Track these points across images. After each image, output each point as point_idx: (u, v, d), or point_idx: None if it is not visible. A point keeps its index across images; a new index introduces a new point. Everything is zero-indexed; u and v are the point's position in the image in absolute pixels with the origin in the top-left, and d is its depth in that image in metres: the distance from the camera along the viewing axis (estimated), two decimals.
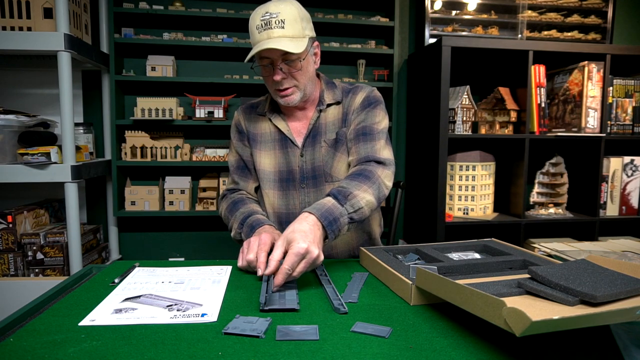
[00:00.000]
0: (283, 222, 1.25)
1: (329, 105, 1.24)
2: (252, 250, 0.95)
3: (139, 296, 0.81)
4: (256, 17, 1.09)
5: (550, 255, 1.07)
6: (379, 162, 1.13)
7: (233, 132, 1.33)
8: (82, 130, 2.12)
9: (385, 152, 1.16)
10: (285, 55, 1.09)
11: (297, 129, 1.25)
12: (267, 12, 1.07)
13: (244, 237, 1.11)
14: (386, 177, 1.11)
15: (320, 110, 1.23)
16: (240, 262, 0.99)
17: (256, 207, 1.22)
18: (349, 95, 1.25)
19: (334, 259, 1.20)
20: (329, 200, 0.98)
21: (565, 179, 2.28)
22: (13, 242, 1.86)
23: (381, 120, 1.21)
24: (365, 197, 1.02)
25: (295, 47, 1.06)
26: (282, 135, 1.24)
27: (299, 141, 1.23)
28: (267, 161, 1.26)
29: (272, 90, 1.17)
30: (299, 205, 1.24)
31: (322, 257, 0.89)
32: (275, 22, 1.06)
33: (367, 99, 1.22)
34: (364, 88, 1.25)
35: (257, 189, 1.33)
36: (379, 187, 1.07)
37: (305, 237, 0.86)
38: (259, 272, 0.88)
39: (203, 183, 2.26)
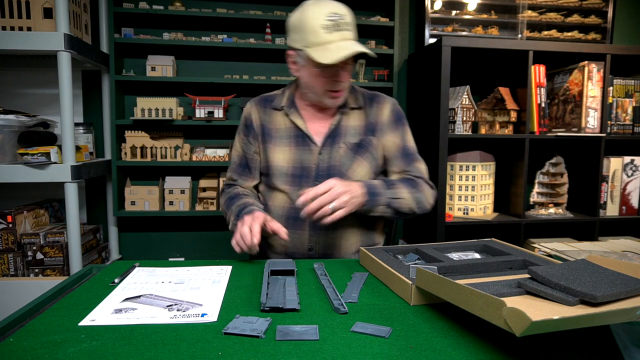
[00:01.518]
0: (291, 217, 1.24)
1: (352, 108, 1.26)
2: (246, 223, 1.04)
3: (139, 296, 0.81)
4: (319, 15, 1.08)
5: (550, 255, 1.07)
6: (427, 183, 1.26)
7: (241, 126, 1.32)
8: (82, 130, 2.12)
9: (427, 174, 1.29)
10: (349, 59, 1.11)
11: (315, 127, 1.25)
12: (333, 13, 1.08)
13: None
14: (431, 195, 1.24)
15: (342, 113, 1.24)
16: (234, 240, 1.06)
17: (252, 200, 1.23)
18: (372, 105, 1.28)
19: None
20: (376, 180, 1.16)
21: (565, 179, 2.28)
22: (13, 242, 1.86)
23: (411, 136, 1.31)
24: (406, 194, 1.17)
25: (370, 51, 1.10)
26: (300, 132, 1.24)
27: (318, 140, 1.23)
28: (281, 156, 1.24)
29: (322, 91, 1.17)
30: (309, 203, 1.24)
31: (362, 200, 1.07)
32: (344, 25, 1.09)
33: (396, 114, 1.29)
34: (387, 99, 1.30)
35: (257, 187, 1.34)
36: (421, 197, 1.20)
37: (346, 185, 1.05)
38: (255, 241, 1.01)
39: (203, 183, 2.26)
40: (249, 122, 1.29)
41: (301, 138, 1.24)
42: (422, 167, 1.28)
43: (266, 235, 1.15)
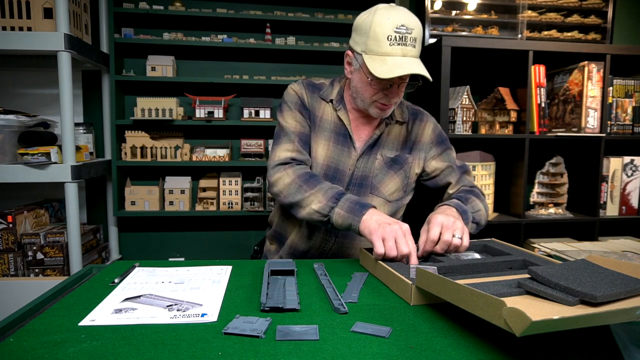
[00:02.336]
0: None
1: (397, 122, 1.24)
2: (403, 243, 0.91)
3: (139, 296, 0.81)
4: (387, 24, 1.03)
5: (550, 255, 1.07)
6: (481, 192, 1.25)
7: (294, 104, 1.20)
8: (82, 130, 2.12)
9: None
10: (406, 77, 1.09)
11: (358, 133, 1.21)
12: (402, 25, 1.03)
13: (346, 212, 1.01)
14: (485, 202, 1.22)
15: (387, 124, 1.22)
16: (385, 252, 0.92)
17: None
18: (415, 121, 1.26)
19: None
20: (454, 201, 1.12)
21: (565, 179, 2.28)
22: (13, 242, 1.86)
23: (454, 153, 1.30)
24: (480, 205, 1.17)
25: (428, 74, 1.07)
26: (344, 131, 1.20)
27: (359, 146, 1.20)
28: (320, 150, 1.19)
29: (370, 101, 1.13)
30: None
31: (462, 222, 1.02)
32: (410, 40, 1.05)
33: (439, 136, 1.28)
34: (429, 118, 1.29)
35: None
36: (487, 206, 1.21)
37: (445, 215, 0.99)
38: (413, 261, 0.91)
39: (203, 183, 2.26)
40: (302, 101, 1.20)
41: (343, 137, 1.20)
42: (471, 179, 1.28)
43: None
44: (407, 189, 1.26)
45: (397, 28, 1.03)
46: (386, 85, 1.10)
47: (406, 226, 0.95)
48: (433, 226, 0.96)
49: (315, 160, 1.20)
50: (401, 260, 0.93)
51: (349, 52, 1.14)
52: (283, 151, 1.15)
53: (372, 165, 1.20)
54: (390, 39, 1.03)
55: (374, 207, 1.03)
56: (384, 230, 0.93)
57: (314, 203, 1.05)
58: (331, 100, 1.21)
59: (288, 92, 1.23)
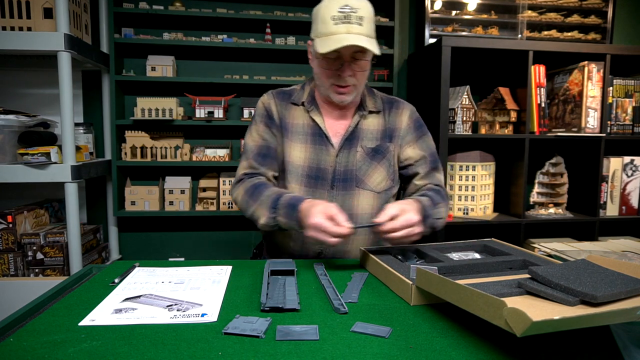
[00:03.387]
0: None
1: (370, 112, 1.24)
2: (327, 234, 0.94)
3: (139, 296, 0.81)
4: (332, 6, 1.07)
5: (550, 255, 1.07)
6: (447, 194, 1.26)
7: (260, 116, 1.25)
8: (82, 130, 2.12)
9: (444, 183, 1.29)
10: (357, 54, 1.09)
11: (334, 128, 1.23)
12: (346, 5, 1.07)
13: (285, 219, 1.06)
14: (449, 207, 1.26)
15: (361, 115, 1.23)
16: (331, 238, 0.95)
17: (282, 189, 1.16)
18: (391, 109, 1.27)
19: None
20: (426, 199, 1.12)
21: (565, 179, 2.28)
22: (13, 242, 1.85)
23: (431, 141, 1.30)
24: (443, 212, 1.16)
25: (375, 48, 1.08)
26: (319, 131, 1.21)
27: (336, 141, 1.21)
28: (297, 154, 1.21)
29: (328, 85, 1.15)
30: None
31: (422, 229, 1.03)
32: (355, 18, 1.06)
33: (416, 121, 1.28)
34: (406, 105, 1.29)
35: (277, 179, 1.28)
36: (447, 212, 1.20)
37: (414, 212, 1.00)
38: (345, 230, 0.94)
39: (203, 183, 2.26)
40: (270, 113, 1.24)
41: (319, 137, 1.21)
42: (441, 177, 1.28)
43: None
44: (395, 178, 1.27)
45: (340, 8, 1.07)
46: (337, 65, 1.11)
47: (330, 208, 0.97)
48: (390, 208, 0.99)
49: (294, 165, 1.21)
50: (346, 236, 0.96)
51: (309, 42, 1.18)
52: (240, 169, 1.25)
53: (353, 158, 1.21)
54: (335, 19, 1.06)
55: (304, 200, 1.04)
56: (312, 229, 0.97)
57: (261, 218, 1.11)
58: (303, 103, 1.23)
59: (257, 105, 1.28)
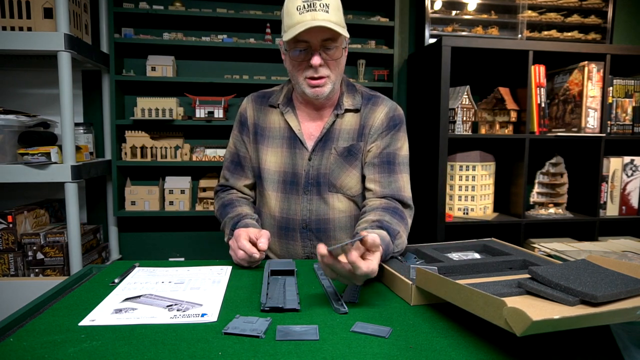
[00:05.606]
0: (282, 227, 1.20)
1: (347, 110, 1.17)
2: (239, 256, 1.00)
3: (139, 296, 0.81)
4: None
5: (550, 255, 1.07)
6: (405, 205, 1.12)
7: (236, 122, 1.25)
8: (82, 130, 2.12)
9: (408, 189, 1.15)
10: (327, 42, 1.04)
11: (309, 130, 1.18)
12: None
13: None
14: (409, 226, 1.11)
15: (337, 115, 1.16)
16: (236, 258, 1.02)
17: (245, 210, 1.17)
18: (368, 105, 1.18)
19: None
20: (385, 234, 0.95)
21: (565, 179, 2.28)
22: (13, 242, 1.85)
23: (403, 145, 1.17)
24: (404, 241, 1.03)
25: (342, 30, 1.03)
26: (292, 134, 1.17)
27: (310, 144, 1.16)
28: (272, 159, 1.18)
29: (302, 79, 1.09)
30: (299, 212, 1.18)
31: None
32: (320, 5, 1.02)
33: (392, 119, 1.17)
34: (384, 102, 1.19)
35: (253, 187, 1.28)
36: (406, 236, 1.06)
37: (375, 263, 0.78)
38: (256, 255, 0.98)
39: (203, 183, 2.26)
40: (243, 119, 1.23)
41: (293, 140, 1.17)
42: (402, 182, 1.13)
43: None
44: None
45: None
46: (308, 57, 1.06)
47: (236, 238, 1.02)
48: (354, 251, 0.77)
49: (269, 171, 1.19)
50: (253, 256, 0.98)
51: (280, 42, 1.12)
52: (220, 178, 1.30)
53: (326, 161, 1.15)
54: (300, 8, 1.02)
55: (240, 228, 1.06)
56: (234, 256, 1.04)
57: (226, 234, 1.16)
58: (278, 105, 1.19)
59: (239, 108, 1.27)
